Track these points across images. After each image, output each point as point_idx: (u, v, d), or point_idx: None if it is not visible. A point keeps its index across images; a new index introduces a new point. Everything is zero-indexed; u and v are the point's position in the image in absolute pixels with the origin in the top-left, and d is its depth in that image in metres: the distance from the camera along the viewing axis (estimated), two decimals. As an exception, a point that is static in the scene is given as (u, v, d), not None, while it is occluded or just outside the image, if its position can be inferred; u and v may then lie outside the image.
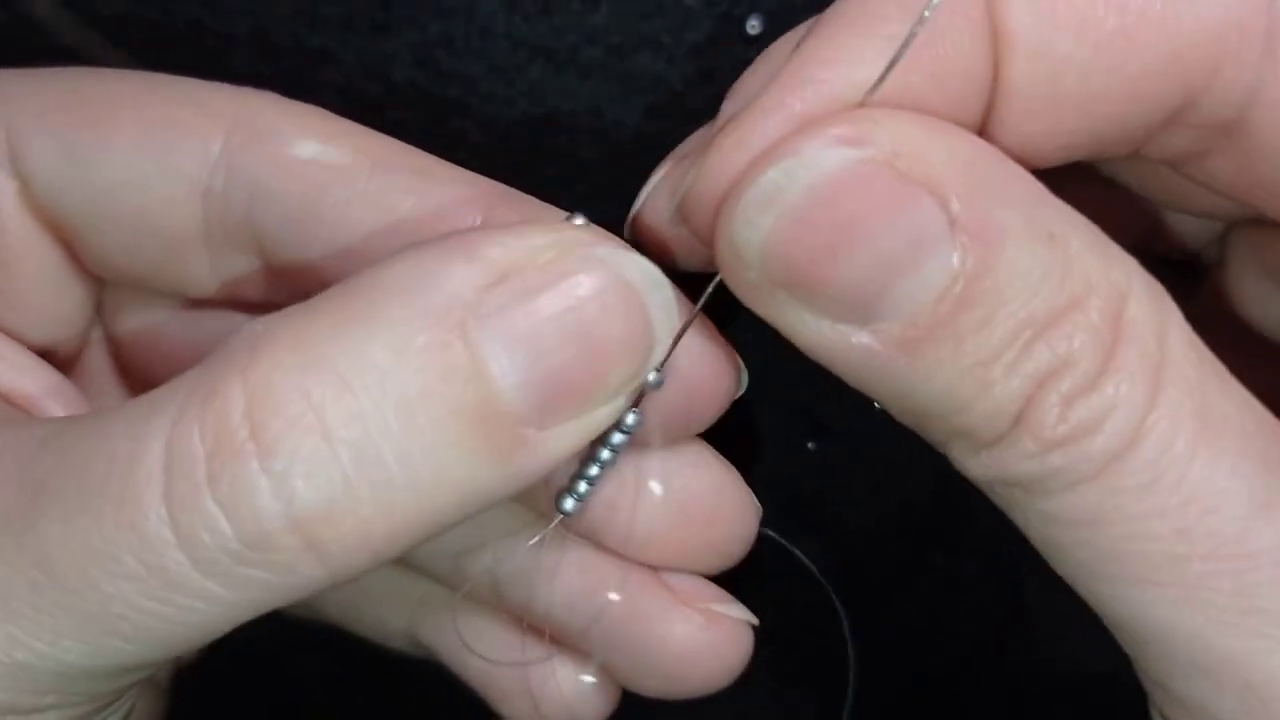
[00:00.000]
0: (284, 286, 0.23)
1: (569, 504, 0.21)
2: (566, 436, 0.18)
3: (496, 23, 0.28)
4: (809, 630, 0.31)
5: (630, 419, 0.20)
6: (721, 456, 0.23)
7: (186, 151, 0.22)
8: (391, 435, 0.17)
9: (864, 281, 0.17)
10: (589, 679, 0.25)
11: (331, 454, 0.16)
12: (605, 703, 0.25)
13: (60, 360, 0.25)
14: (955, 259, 0.16)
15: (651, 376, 0.19)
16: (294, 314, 0.17)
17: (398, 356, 0.17)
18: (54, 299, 0.24)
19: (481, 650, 0.25)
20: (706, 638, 0.23)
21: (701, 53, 0.28)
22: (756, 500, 0.23)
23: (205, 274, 0.23)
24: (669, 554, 0.23)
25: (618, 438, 0.20)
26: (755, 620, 0.24)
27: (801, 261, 0.16)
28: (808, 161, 0.16)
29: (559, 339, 0.17)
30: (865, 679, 0.34)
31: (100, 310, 0.25)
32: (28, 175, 0.22)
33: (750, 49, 0.28)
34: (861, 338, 0.17)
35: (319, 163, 0.21)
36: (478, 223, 0.21)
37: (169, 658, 0.18)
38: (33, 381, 0.22)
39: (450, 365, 0.17)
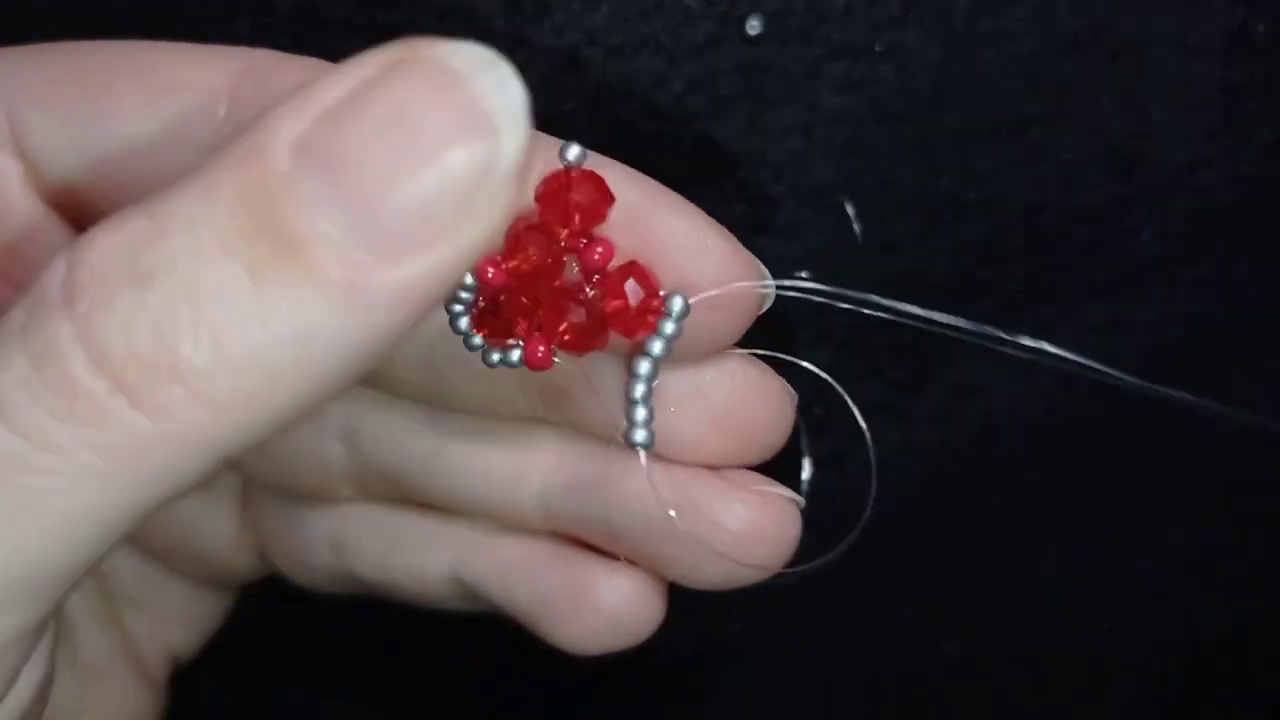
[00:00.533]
0: None
1: (641, 436, 0.21)
2: (421, 265, 0.16)
3: (496, 23, 0.28)
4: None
5: (670, 328, 0.20)
6: (751, 356, 0.23)
7: (192, 115, 0.21)
8: (204, 273, 0.15)
9: None
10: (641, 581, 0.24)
11: (138, 295, 0.15)
12: (658, 608, 0.25)
13: None
14: None
15: (572, 153, 0.18)
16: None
17: (207, 198, 0.16)
18: None
19: (531, 573, 0.25)
20: (762, 517, 0.23)
21: (701, 53, 0.28)
22: (790, 389, 0.23)
23: None
24: (713, 454, 0.23)
25: (658, 347, 0.20)
26: (801, 500, 0.24)
27: None
28: None
29: (364, 145, 0.15)
30: (881, 664, 0.34)
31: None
32: (32, 154, 0.22)
33: (750, 49, 0.28)
34: None
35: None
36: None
37: (58, 569, 0.17)
38: None
39: (261, 199, 0.15)
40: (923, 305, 0.30)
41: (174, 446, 0.16)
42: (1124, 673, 0.34)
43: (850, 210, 0.29)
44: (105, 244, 0.16)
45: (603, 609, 0.24)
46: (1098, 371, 0.25)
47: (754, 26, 0.28)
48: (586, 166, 0.19)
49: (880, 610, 0.33)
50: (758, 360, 0.23)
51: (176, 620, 0.29)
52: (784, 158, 0.29)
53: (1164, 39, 0.28)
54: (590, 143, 0.22)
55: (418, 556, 0.26)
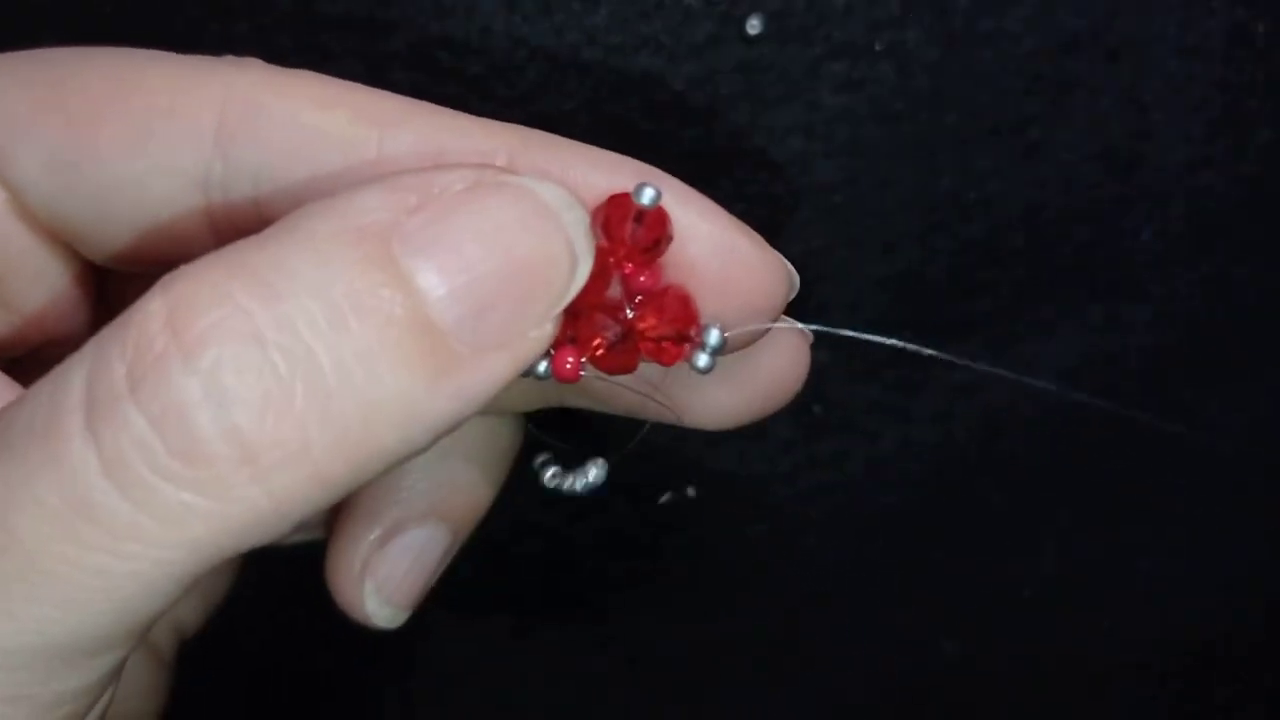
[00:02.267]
0: None
1: (704, 362, 0.20)
2: (502, 361, 0.17)
3: (496, 23, 0.28)
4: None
5: (703, 361, 0.20)
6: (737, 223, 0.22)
7: (179, 143, 0.20)
8: (325, 340, 0.16)
9: None
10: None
11: (263, 355, 0.16)
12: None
13: (62, 350, 0.24)
14: None
15: (646, 197, 0.19)
16: (228, 247, 0.17)
17: (325, 267, 0.16)
18: (54, 298, 0.23)
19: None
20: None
21: (701, 53, 0.28)
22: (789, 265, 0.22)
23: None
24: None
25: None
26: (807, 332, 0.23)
27: None
28: None
29: (481, 254, 0.17)
30: (865, 674, 0.34)
31: (103, 300, 0.25)
32: (17, 185, 0.21)
33: (750, 49, 0.28)
34: None
35: (321, 135, 0.20)
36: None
37: (118, 631, 0.16)
38: None
39: (377, 275, 0.16)
40: (923, 305, 0.30)
41: (282, 519, 0.16)
42: (1124, 672, 0.34)
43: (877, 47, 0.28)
44: (213, 292, 0.16)
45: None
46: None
47: (754, 26, 0.28)
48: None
49: (880, 610, 0.33)
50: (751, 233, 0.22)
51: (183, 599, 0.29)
52: (784, 158, 0.29)
53: (1164, 39, 0.28)
54: (590, 143, 0.22)
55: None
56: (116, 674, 0.18)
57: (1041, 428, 0.31)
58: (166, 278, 0.16)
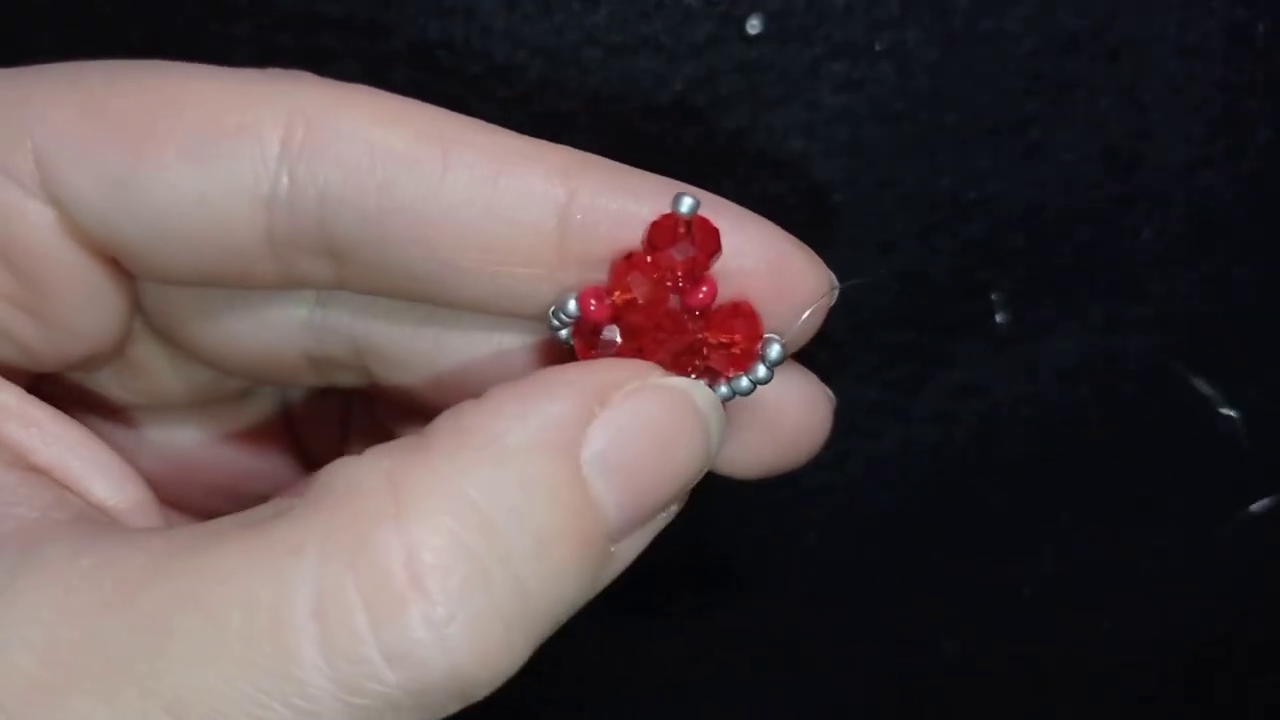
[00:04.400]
0: (359, 277, 0.22)
1: (763, 373, 0.21)
2: (635, 543, 0.20)
3: (496, 23, 0.28)
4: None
5: (762, 372, 0.21)
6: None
7: (241, 160, 0.20)
8: (531, 569, 0.18)
9: None
10: None
11: (490, 599, 0.18)
12: None
13: (99, 364, 0.24)
14: None
15: (685, 205, 0.20)
16: (418, 450, 0.18)
17: (529, 494, 0.18)
18: (98, 316, 0.23)
19: None
20: (799, 393, 0.24)
21: (701, 53, 0.28)
22: (830, 393, 0.24)
23: (270, 274, 0.22)
24: (758, 463, 0.24)
25: (744, 385, 0.21)
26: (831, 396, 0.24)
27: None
28: None
29: (645, 463, 0.19)
30: (868, 672, 0.34)
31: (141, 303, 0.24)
32: (67, 203, 0.21)
33: (750, 49, 0.28)
34: None
35: (387, 151, 0.20)
36: (562, 197, 0.20)
37: None
38: (121, 494, 0.21)
39: (572, 502, 0.19)
40: (923, 305, 0.30)
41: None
42: (1124, 672, 0.34)
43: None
44: (442, 531, 0.18)
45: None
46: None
47: (754, 26, 0.28)
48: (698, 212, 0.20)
49: (880, 610, 0.33)
50: (802, 368, 0.23)
51: None
52: (784, 158, 0.29)
53: (1164, 39, 0.28)
54: (590, 143, 0.22)
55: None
56: None
57: (1042, 428, 0.31)
58: (384, 495, 0.18)
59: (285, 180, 0.20)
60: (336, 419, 0.28)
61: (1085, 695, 0.34)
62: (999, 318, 0.21)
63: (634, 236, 0.20)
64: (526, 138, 0.21)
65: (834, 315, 0.22)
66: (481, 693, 0.18)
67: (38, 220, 0.21)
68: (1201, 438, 0.31)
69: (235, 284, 0.22)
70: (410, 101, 0.21)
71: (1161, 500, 0.32)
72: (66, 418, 0.22)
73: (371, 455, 0.19)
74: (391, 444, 0.19)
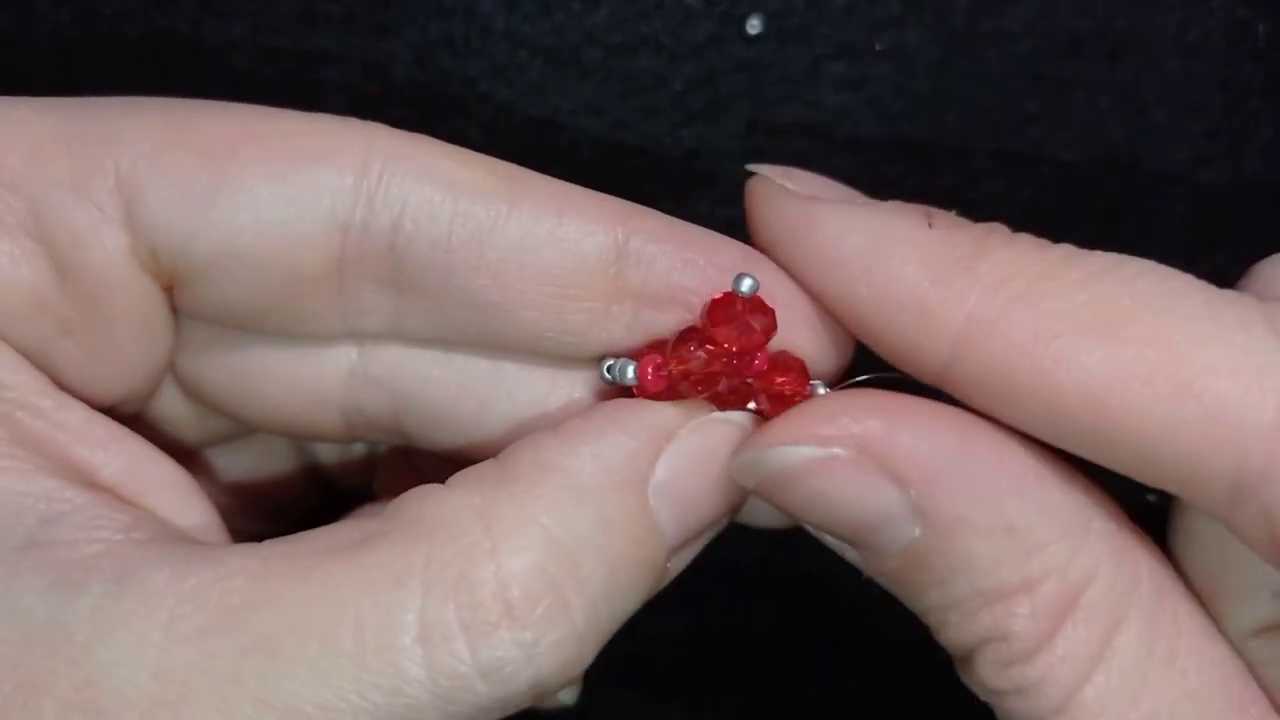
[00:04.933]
0: (417, 314, 0.22)
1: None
2: (687, 556, 0.22)
3: (496, 23, 0.28)
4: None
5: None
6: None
7: (321, 185, 0.21)
8: (603, 593, 0.20)
9: (841, 531, 0.21)
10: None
11: (570, 622, 0.20)
12: None
13: (124, 411, 0.24)
14: (916, 531, 0.20)
15: (745, 285, 0.21)
16: (503, 485, 0.20)
17: (604, 529, 0.20)
18: (145, 354, 0.23)
19: None
20: None
21: (701, 53, 0.28)
22: None
23: (329, 311, 0.22)
24: None
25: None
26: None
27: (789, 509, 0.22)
28: (778, 455, 0.21)
29: (704, 491, 0.21)
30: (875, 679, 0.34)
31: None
32: (146, 228, 0.21)
33: (750, 49, 0.28)
34: (850, 553, 0.22)
35: (463, 183, 0.21)
36: (620, 235, 0.21)
37: None
38: (189, 513, 0.22)
39: (639, 531, 0.21)
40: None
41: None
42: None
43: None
44: (532, 565, 0.20)
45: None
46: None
47: (754, 26, 0.28)
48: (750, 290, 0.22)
49: (880, 610, 0.33)
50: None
51: None
52: (784, 158, 0.29)
53: (1164, 39, 0.28)
54: (590, 143, 0.22)
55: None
56: None
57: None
58: (478, 528, 0.20)
59: (363, 205, 0.21)
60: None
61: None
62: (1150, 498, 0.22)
63: (684, 280, 0.21)
64: (581, 189, 0.22)
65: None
66: (553, 692, 0.20)
67: (110, 245, 0.21)
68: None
69: (287, 324, 0.22)
70: (474, 152, 0.22)
71: (1161, 500, 0.32)
72: (133, 435, 0.22)
73: (460, 490, 0.20)
74: (475, 475, 0.21)
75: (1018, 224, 0.30)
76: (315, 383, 0.24)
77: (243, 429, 0.26)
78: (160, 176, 0.21)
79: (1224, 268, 0.30)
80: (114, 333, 0.22)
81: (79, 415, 0.21)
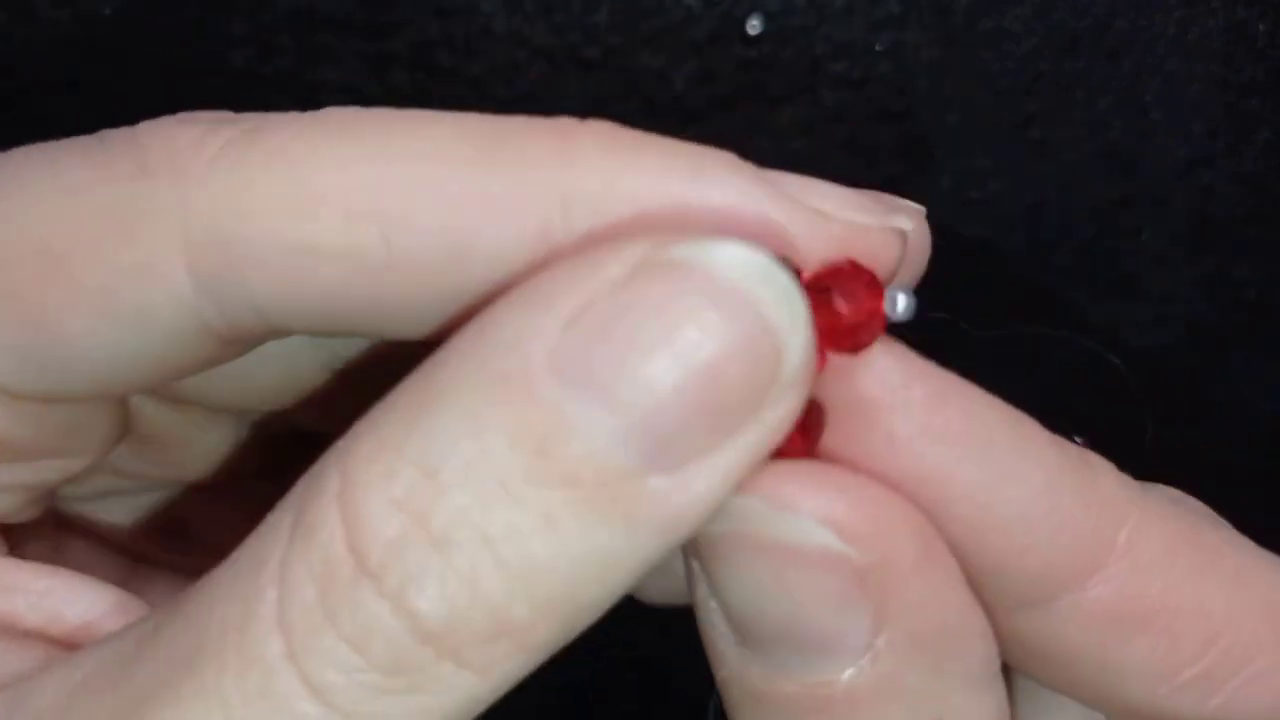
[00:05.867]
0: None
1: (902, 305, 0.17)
2: (711, 472, 0.15)
3: (496, 23, 0.28)
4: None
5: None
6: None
7: (154, 309, 0.18)
8: (497, 525, 0.15)
9: (793, 635, 0.17)
10: None
11: (443, 560, 0.15)
12: None
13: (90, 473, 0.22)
14: (852, 671, 0.17)
15: (900, 305, 0.17)
16: (372, 416, 0.16)
17: (479, 438, 0.15)
18: (85, 439, 0.21)
19: None
20: None
21: (701, 53, 0.28)
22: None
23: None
24: None
25: None
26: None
27: None
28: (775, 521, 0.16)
29: (649, 371, 0.15)
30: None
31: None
32: None
33: (750, 49, 0.28)
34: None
35: (304, 250, 0.17)
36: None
37: None
38: (89, 609, 0.20)
39: (534, 434, 0.15)
40: (923, 305, 0.30)
41: (496, 691, 0.16)
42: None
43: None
44: (379, 500, 0.15)
45: None
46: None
47: (754, 26, 0.28)
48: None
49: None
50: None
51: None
52: (784, 157, 0.29)
53: (1164, 38, 0.28)
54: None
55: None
56: None
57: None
58: (333, 472, 0.16)
59: (214, 308, 0.18)
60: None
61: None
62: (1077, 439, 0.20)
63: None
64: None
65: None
66: (487, 658, 0.15)
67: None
68: (1202, 437, 0.31)
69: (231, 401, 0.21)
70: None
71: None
72: (18, 563, 0.20)
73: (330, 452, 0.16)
74: (366, 415, 0.16)
75: (1018, 224, 0.30)
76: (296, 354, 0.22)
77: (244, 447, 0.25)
78: None
79: (1224, 268, 0.30)
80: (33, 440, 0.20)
81: None
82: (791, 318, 0.15)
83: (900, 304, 0.17)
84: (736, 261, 0.15)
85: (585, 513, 0.15)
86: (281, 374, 0.23)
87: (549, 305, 0.15)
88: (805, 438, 0.17)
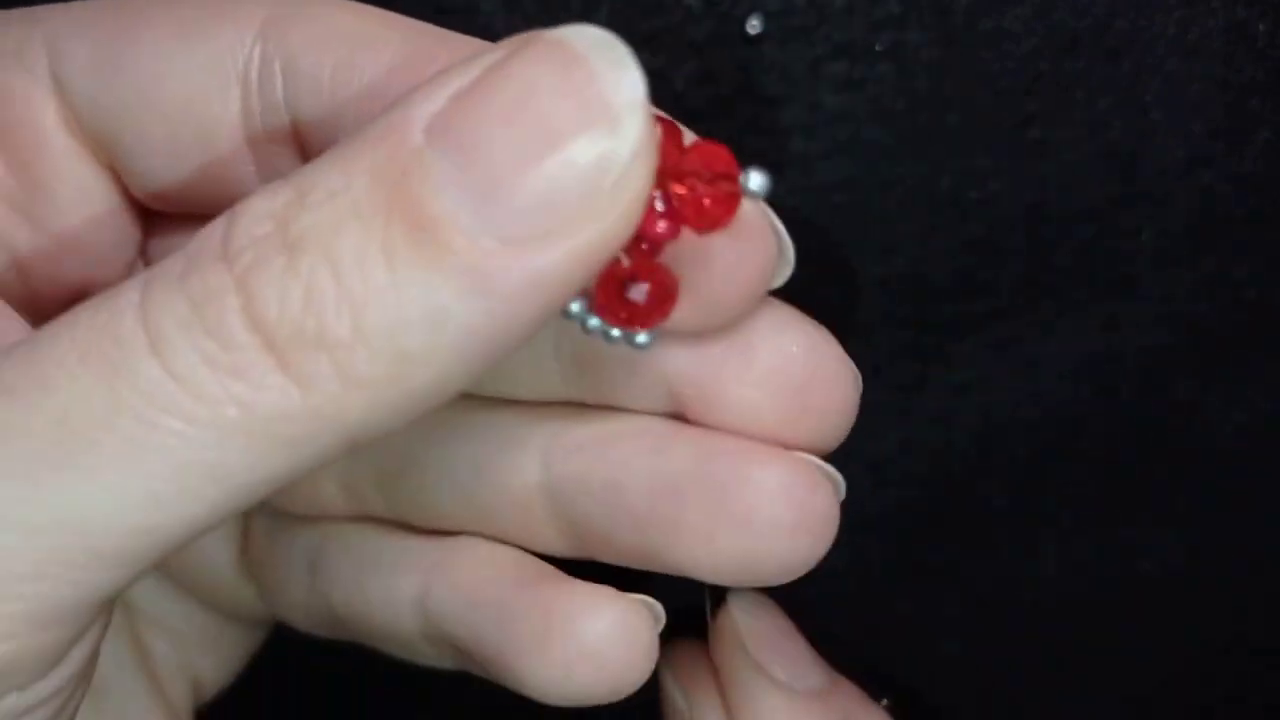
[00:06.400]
0: None
1: (642, 339, 0.19)
2: (553, 256, 0.16)
3: (496, 23, 0.28)
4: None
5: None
6: (812, 320, 0.21)
7: (223, 39, 0.21)
8: (344, 244, 0.16)
9: None
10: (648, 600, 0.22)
11: (290, 262, 0.16)
12: (649, 648, 0.22)
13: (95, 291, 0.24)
14: None
15: (754, 182, 0.17)
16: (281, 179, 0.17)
17: (347, 172, 0.16)
18: (96, 229, 0.23)
19: (501, 596, 0.23)
20: (793, 480, 0.20)
21: (701, 53, 0.28)
22: (855, 369, 0.21)
23: (251, 184, 0.22)
24: (772, 425, 0.21)
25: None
26: (840, 480, 0.21)
27: None
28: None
29: (492, 127, 0.16)
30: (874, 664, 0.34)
31: (143, 254, 0.25)
32: (63, 84, 0.22)
33: (750, 49, 0.28)
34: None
35: (345, 35, 0.21)
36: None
37: (147, 529, 0.16)
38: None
39: (392, 172, 0.16)
40: (923, 306, 0.30)
41: (311, 418, 0.16)
42: (1124, 673, 0.34)
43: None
44: (259, 208, 0.17)
45: (581, 639, 0.21)
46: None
47: (754, 26, 0.28)
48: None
49: (880, 610, 0.33)
50: (811, 320, 0.21)
51: (198, 646, 0.28)
52: (784, 158, 0.29)
53: (1164, 38, 0.28)
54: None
55: (386, 577, 0.24)
56: (109, 611, 0.18)
57: (1042, 428, 0.31)
58: (224, 218, 0.17)
59: (257, 59, 0.21)
60: None
61: (1085, 695, 0.34)
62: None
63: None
64: (484, 44, 0.20)
65: (835, 315, 0.22)
66: (308, 371, 0.16)
67: (41, 106, 0.22)
68: (1202, 438, 0.31)
69: (219, 199, 0.21)
70: (385, 11, 0.22)
71: (1162, 500, 0.32)
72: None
73: None
74: None
75: (1018, 224, 0.30)
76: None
77: None
78: (76, 39, 0.21)
79: (1224, 268, 0.30)
80: (61, 209, 0.22)
81: None
82: (633, 112, 0.16)
83: (754, 181, 0.18)
84: (590, 40, 0.16)
85: (423, 257, 0.16)
86: None
87: (442, 80, 0.16)
88: (662, 303, 0.18)
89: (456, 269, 0.16)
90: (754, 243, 0.20)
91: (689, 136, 0.18)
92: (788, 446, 0.21)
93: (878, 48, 0.28)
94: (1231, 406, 0.31)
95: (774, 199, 0.30)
